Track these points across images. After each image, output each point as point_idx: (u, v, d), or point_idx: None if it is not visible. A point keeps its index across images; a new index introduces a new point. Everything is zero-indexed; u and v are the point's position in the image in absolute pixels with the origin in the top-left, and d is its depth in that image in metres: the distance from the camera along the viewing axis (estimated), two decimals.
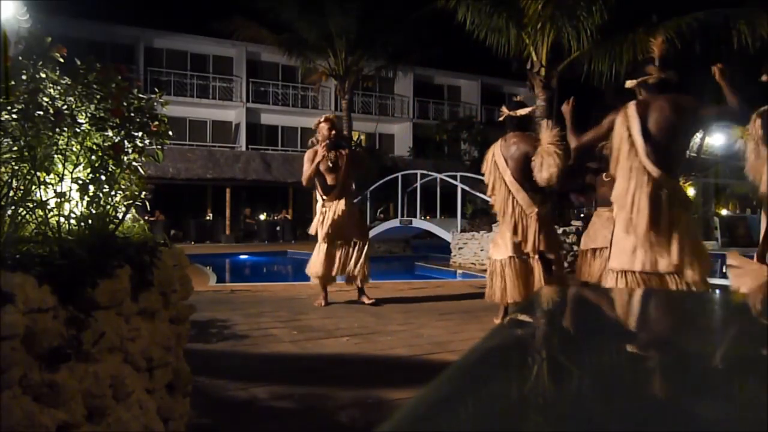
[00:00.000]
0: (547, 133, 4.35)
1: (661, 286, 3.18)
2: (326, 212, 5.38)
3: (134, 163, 2.07)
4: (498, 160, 4.61)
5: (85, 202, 1.85)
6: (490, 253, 4.76)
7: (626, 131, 3.30)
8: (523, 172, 4.49)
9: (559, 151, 4.17)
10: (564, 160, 4.18)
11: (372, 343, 3.95)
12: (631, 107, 3.35)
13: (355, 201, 5.90)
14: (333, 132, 5.37)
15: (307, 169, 5.35)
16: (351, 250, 5.41)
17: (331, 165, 5.31)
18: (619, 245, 3.33)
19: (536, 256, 4.46)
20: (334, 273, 5.43)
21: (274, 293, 6.32)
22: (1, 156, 1.73)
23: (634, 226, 3.25)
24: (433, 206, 14.51)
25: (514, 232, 4.49)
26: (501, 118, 4.76)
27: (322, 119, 5.46)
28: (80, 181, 1.85)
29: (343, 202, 5.34)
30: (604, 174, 5.27)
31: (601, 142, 3.82)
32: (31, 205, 1.72)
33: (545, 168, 4.26)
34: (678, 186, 3.38)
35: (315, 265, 5.39)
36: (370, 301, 5.42)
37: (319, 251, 5.39)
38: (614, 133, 3.38)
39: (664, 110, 3.28)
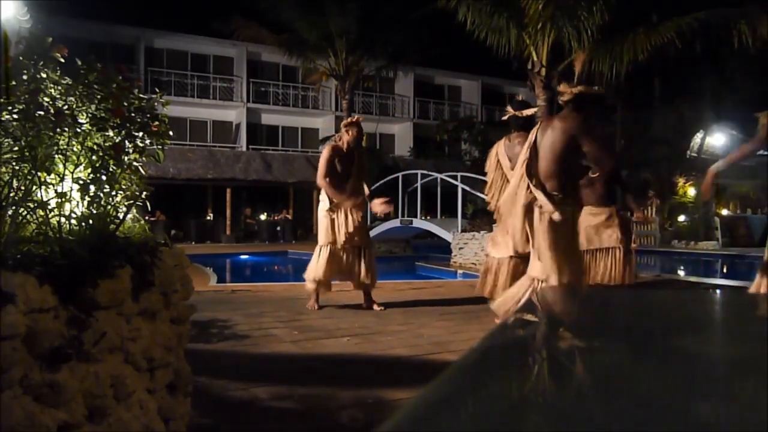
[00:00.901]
0: None
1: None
2: (336, 218, 5.19)
3: (135, 163, 2.07)
4: (502, 160, 4.62)
5: (85, 202, 1.85)
6: (488, 251, 4.77)
7: (526, 145, 3.83)
8: None
9: None
10: None
11: (372, 343, 3.95)
12: (540, 123, 3.83)
13: None
14: (362, 136, 5.34)
15: (322, 167, 5.20)
16: (355, 254, 5.23)
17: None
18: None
19: None
20: (334, 278, 5.29)
21: (274, 293, 6.32)
22: (2, 156, 1.73)
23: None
24: (434, 206, 14.50)
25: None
26: (505, 117, 4.76)
27: (354, 119, 5.36)
28: (81, 181, 1.85)
29: (355, 207, 5.20)
30: (590, 172, 5.22)
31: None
32: (31, 205, 1.73)
33: None
34: (551, 194, 3.70)
35: (316, 269, 5.18)
36: (380, 308, 5.21)
37: (321, 256, 5.19)
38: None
39: (554, 128, 3.66)
